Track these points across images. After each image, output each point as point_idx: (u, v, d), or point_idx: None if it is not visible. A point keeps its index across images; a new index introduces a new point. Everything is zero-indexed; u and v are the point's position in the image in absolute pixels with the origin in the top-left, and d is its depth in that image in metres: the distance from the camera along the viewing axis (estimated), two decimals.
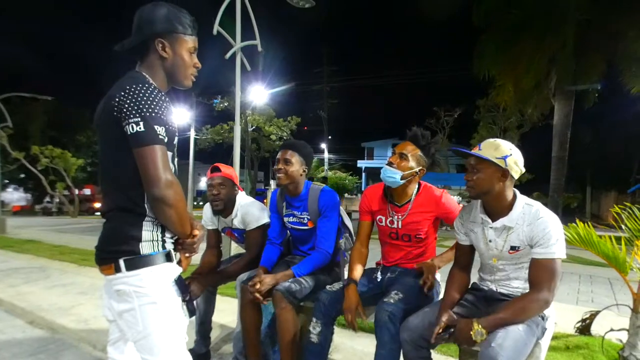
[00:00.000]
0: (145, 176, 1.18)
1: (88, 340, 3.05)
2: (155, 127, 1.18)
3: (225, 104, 23.00)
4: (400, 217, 2.15)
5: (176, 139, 1.33)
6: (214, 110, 23.85)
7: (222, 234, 2.76)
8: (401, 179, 2.06)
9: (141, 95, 1.18)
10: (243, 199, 2.58)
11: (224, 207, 2.52)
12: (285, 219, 2.49)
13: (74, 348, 2.94)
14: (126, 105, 1.17)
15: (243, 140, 20.72)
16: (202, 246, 2.72)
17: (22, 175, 29.31)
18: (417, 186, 2.17)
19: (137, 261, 1.25)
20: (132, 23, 1.33)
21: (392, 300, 1.89)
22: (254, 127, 24.09)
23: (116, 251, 1.25)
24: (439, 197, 2.12)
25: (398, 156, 2.08)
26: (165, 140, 1.22)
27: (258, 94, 20.27)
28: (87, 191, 31.84)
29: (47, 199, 28.41)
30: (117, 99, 1.18)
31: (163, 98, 1.23)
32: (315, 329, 2.02)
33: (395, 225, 2.18)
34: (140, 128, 1.16)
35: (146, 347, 1.27)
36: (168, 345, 1.28)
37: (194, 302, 2.44)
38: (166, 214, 1.22)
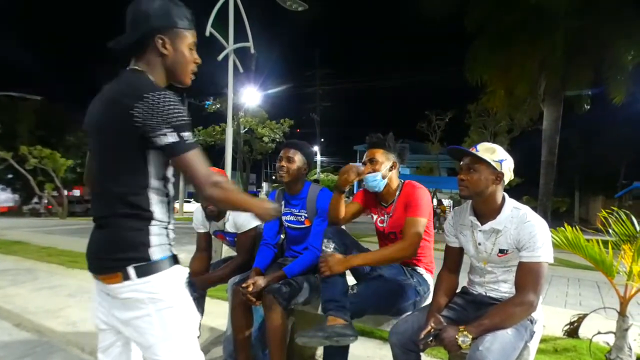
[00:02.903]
0: (190, 181, 1.18)
1: (76, 343, 3.02)
2: (183, 134, 1.16)
3: (218, 106, 22.94)
4: (387, 216, 2.26)
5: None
6: (206, 111, 23.77)
7: (213, 237, 2.75)
8: (382, 178, 2.19)
9: (165, 105, 1.15)
10: None
11: (218, 212, 2.51)
12: (283, 218, 2.51)
13: (61, 351, 2.90)
14: (152, 117, 1.14)
15: (235, 142, 20.66)
16: (193, 248, 2.73)
17: (10, 176, 28.92)
18: (400, 185, 2.24)
19: (148, 267, 1.21)
20: (126, 17, 1.27)
21: None
22: (246, 129, 24.04)
23: (124, 259, 1.20)
24: (412, 189, 2.18)
25: (369, 162, 2.23)
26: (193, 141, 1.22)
27: (251, 96, 20.28)
28: (76, 192, 31.54)
29: (36, 199, 28.03)
30: (137, 109, 1.14)
31: (179, 102, 1.21)
32: (329, 248, 2.04)
33: (383, 224, 2.28)
34: (174, 138, 1.15)
35: (164, 350, 1.23)
36: (187, 347, 1.27)
37: None
38: (221, 207, 1.27)
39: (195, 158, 1.17)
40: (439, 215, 17.42)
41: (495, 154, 1.72)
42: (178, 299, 1.26)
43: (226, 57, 6.99)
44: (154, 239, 1.23)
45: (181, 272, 1.30)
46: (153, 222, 1.24)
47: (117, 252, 1.21)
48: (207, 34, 6.75)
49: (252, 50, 7.33)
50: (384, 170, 2.19)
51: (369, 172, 2.19)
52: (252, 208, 1.29)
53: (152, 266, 1.21)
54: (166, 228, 1.29)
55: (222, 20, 6.98)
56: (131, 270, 1.19)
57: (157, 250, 1.23)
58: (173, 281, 1.26)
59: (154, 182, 1.23)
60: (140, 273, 1.20)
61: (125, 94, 1.17)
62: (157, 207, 1.24)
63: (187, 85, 1.38)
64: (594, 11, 10.81)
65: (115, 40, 1.27)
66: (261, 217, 1.35)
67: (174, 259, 1.29)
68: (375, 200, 2.33)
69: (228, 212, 2.53)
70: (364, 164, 2.24)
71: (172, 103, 1.16)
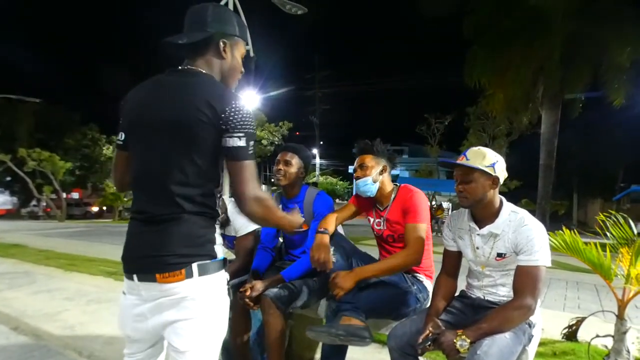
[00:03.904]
0: (237, 188, 1.22)
1: (74, 347, 3.01)
2: (250, 142, 1.23)
3: None
4: (382, 219, 2.25)
5: None
6: None
7: None
8: (373, 182, 2.20)
9: (244, 112, 1.22)
10: (233, 206, 2.57)
11: (226, 219, 2.52)
12: None
13: (59, 355, 2.89)
14: (233, 120, 1.20)
15: None
16: None
17: (8, 178, 28.88)
18: (396, 189, 2.24)
19: (210, 266, 1.22)
20: (188, 17, 1.32)
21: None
22: None
23: (191, 255, 1.19)
24: (409, 193, 2.18)
25: (359, 168, 2.23)
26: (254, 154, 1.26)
27: (250, 99, 20.25)
28: (75, 195, 31.48)
29: (34, 202, 28.00)
30: (225, 113, 1.19)
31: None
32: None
33: (380, 227, 2.27)
34: (242, 143, 1.21)
35: (200, 352, 1.22)
36: (217, 349, 1.27)
37: None
38: (256, 223, 1.30)
39: (252, 168, 1.23)
40: (437, 218, 17.44)
41: (486, 159, 1.71)
42: (225, 301, 1.28)
43: None
44: (218, 238, 1.28)
45: (225, 277, 1.31)
46: (216, 222, 1.29)
47: (184, 248, 1.19)
48: None
49: (252, 54, 7.36)
50: (374, 175, 2.19)
51: (359, 178, 2.20)
52: (285, 227, 1.38)
53: (213, 265, 1.23)
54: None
55: None
56: (195, 267, 1.19)
57: (219, 249, 1.27)
58: (222, 282, 1.27)
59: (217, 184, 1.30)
60: (202, 271, 1.20)
61: (216, 98, 1.21)
62: (217, 208, 1.29)
63: None
64: (591, 14, 10.86)
65: (177, 36, 1.30)
66: (288, 232, 1.46)
67: (225, 262, 1.31)
68: (371, 203, 2.33)
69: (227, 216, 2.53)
70: (355, 170, 2.26)
71: (248, 112, 1.24)
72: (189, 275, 1.17)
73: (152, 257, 1.19)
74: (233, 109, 1.20)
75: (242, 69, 1.43)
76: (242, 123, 1.21)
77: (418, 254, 2.02)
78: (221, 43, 1.31)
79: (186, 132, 1.20)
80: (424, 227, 2.07)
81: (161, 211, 1.21)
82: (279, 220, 1.34)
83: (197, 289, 1.19)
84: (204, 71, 1.29)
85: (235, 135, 1.20)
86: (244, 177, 1.21)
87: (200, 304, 1.20)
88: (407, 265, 2.04)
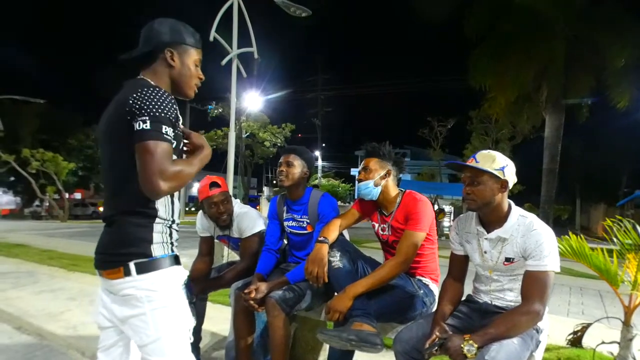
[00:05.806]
0: (140, 171, 1.18)
1: (77, 347, 3.01)
2: (163, 126, 1.20)
3: (220, 110, 23.04)
4: (387, 225, 2.23)
5: (182, 144, 1.36)
6: (208, 115, 23.87)
7: (217, 241, 2.75)
8: (375, 186, 2.17)
9: (152, 96, 1.21)
10: (238, 208, 2.57)
11: (230, 220, 2.52)
12: (285, 223, 2.50)
13: (62, 355, 2.89)
14: (137, 106, 1.20)
15: (237, 147, 20.70)
16: (195, 252, 2.73)
17: (12, 179, 29.01)
18: (401, 195, 2.21)
19: (148, 264, 1.25)
20: (140, 38, 1.38)
21: None
22: (248, 134, 24.11)
23: (126, 254, 1.24)
24: (413, 201, 2.14)
25: (363, 171, 2.22)
26: (173, 142, 1.25)
27: (253, 101, 20.34)
28: (77, 195, 31.59)
29: (37, 202, 28.10)
30: (130, 102, 1.21)
31: (173, 101, 1.27)
32: (334, 257, 2.04)
33: (386, 233, 2.25)
34: (146, 126, 1.18)
35: (156, 351, 1.27)
36: (177, 348, 1.29)
37: None
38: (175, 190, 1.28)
39: (158, 149, 1.18)
40: (439, 222, 17.41)
41: (496, 162, 1.70)
42: (173, 299, 1.29)
43: (229, 62, 7.03)
44: (156, 236, 1.28)
45: (180, 273, 1.33)
46: (157, 220, 1.29)
47: (120, 248, 1.25)
48: (211, 39, 6.78)
49: (256, 56, 7.35)
50: (376, 178, 2.16)
51: (362, 181, 2.19)
52: (201, 166, 1.35)
53: (152, 263, 1.26)
54: (170, 227, 1.33)
55: (226, 25, 7.03)
56: (132, 266, 1.23)
57: (158, 248, 1.28)
58: (171, 281, 1.29)
59: None
60: (140, 269, 1.24)
61: (126, 93, 1.25)
62: (161, 206, 1.30)
63: (190, 98, 1.48)
64: (592, 18, 10.84)
65: (127, 53, 1.37)
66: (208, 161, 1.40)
67: (175, 259, 1.33)
68: (375, 208, 2.30)
69: (233, 218, 2.53)
70: (359, 172, 2.25)
71: (162, 97, 1.23)
72: (127, 273, 1.24)
73: (100, 255, 1.31)
74: (138, 95, 1.21)
75: (200, 75, 1.46)
76: (146, 106, 1.20)
77: (408, 263, 2.02)
78: (167, 52, 1.36)
79: (113, 135, 1.28)
80: (421, 236, 2.04)
81: (108, 213, 1.31)
82: (193, 173, 1.29)
83: (141, 287, 1.24)
84: (142, 77, 1.34)
85: (140, 119, 1.19)
86: (148, 156, 1.16)
87: (146, 302, 1.24)
88: (397, 274, 2.02)
